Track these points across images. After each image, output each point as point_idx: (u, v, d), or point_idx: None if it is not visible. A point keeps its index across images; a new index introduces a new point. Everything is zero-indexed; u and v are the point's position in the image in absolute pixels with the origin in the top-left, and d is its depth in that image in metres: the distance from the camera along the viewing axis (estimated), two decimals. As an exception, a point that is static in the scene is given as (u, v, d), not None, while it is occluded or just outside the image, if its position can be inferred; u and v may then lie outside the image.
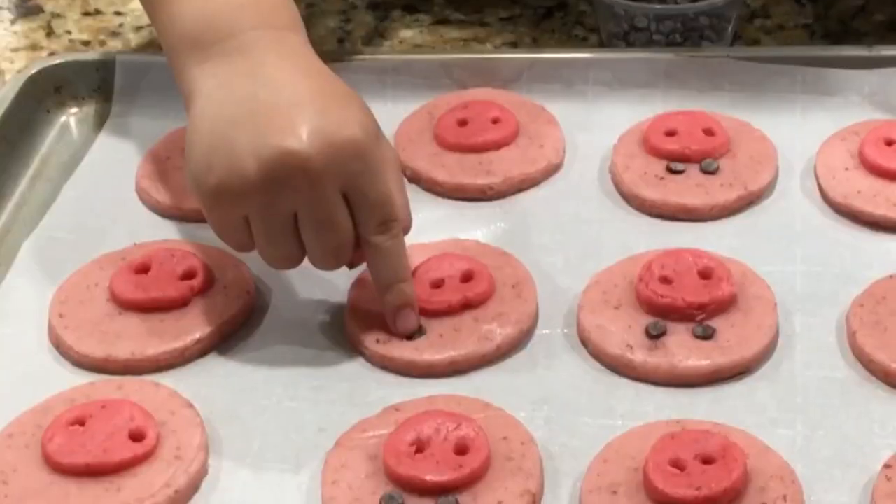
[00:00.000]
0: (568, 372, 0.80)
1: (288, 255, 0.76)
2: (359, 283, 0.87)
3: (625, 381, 0.79)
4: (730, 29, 1.07)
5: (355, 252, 0.83)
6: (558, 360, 0.82)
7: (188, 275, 0.84)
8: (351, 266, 0.84)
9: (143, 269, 0.84)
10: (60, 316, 0.83)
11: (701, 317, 0.81)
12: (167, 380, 0.79)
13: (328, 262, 0.79)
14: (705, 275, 0.82)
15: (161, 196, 0.93)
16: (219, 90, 0.75)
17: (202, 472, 0.72)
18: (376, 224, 0.76)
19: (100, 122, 1.02)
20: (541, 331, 0.82)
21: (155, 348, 0.80)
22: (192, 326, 0.82)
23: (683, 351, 0.79)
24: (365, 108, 0.77)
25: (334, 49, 1.13)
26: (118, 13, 1.14)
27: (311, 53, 0.80)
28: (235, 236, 0.77)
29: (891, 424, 0.77)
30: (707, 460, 0.70)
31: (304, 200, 0.73)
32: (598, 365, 0.80)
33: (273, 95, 0.74)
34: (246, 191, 0.73)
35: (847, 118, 0.98)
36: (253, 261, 0.87)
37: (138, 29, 1.14)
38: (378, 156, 0.75)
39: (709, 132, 0.95)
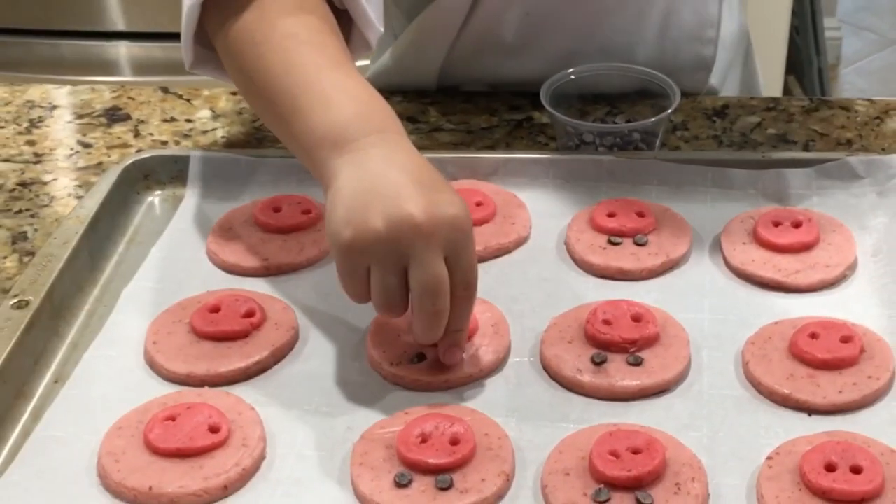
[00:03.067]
0: (533, 389, 0.84)
1: (395, 303, 0.80)
2: (376, 320, 0.89)
3: (575, 397, 0.83)
4: (657, 141, 1.09)
5: None
6: (526, 381, 0.85)
7: (248, 314, 0.88)
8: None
9: (215, 310, 0.88)
10: (154, 343, 0.87)
11: (633, 349, 0.85)
12: (235, 391, 0.83)
13: (425, 305, 0.80)
14: (636, 318, 0.87)
15: (226, 257, 0.96)
16: (356, 170, 0.80)
17: (262, 456, 0.77)
18: (462, 283, 0.80)
19: (177, 202, 1.04)
20: (513, 359, 0.86)
21: (225, 367, 0.85)
22: (253, 352, 0.86)
23: (619, 374, 0.83)
24: (463, 200, 0.82)
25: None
26: (188, 120, 1.15)
27: (415, 149, 0.85)
28: (355, 285, 0.81)
29: (773, 430, 0.80)
30: (636, 451, 0.75)
31: (417, 255, 0.78)
32: (555, 384, 0.84)
33: (399, 175, 0.79)
34: (372, 243, 0.77)
35: (745, 206, 1.01)
36: (297, 303, 0.91)
37: (204, 132, 1.15)
38: (471, 232, 0.80)
39: (640, 214, 0.99)
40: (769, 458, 0.76)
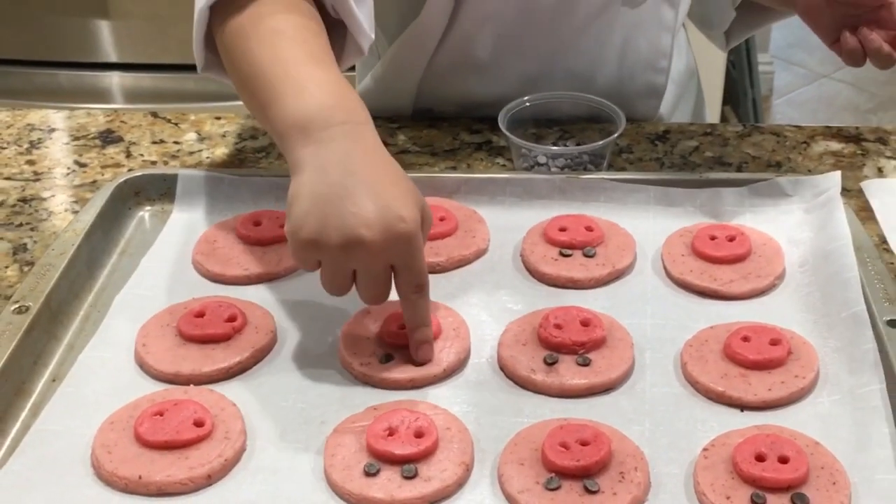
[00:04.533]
0: (491, 387, 0.83)
1: (341, 289, 0.81)
2: (348, 324, 0.88)
3: (529, 394, 0.82)
4: (605, 162, 1.07)
5: None
6: (484, 380, 0.84)
7: (231, 319, 0.87)
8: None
9: (200, 315, 0.87)
10: (143, 345, 0.86)
11: (582, 351, 0.84)
12: (218, 388, 0.82)
13: (370, 302, 0.83)
14: (585, 323, 0.86)
15: (210, 267, 0.95)
16: (316, 171, 0.80)
17: (243, 448, 0.77)
18: (412, 287, 0.81)
19: (166, 216, 1.03)
20: (473, 360, 0.85)
21: (209, 367, 0.83)
22: (234, 353, 0.85)
23: (569, 374, 0.82)
24: (417, 194, 0.82)
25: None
26: (176, 142, 1.14)
27: (379, 142, 0.85)
28: (308, 267, 0.81)
29: (708, 424, 0.80)
30: (584, 443, 0.74)
31: (363, 267, 0.79)
32: (511, 383, 0.83)
33: (356, 184, 0.79)
34: (325, 250, 0.78)
35: (684, 222, 1.00)
36: (275, 309, 0.90)
37: (190, 153, 1.13)
38: (419, 241, 0.80)
39: (589, 229, 0.98)
40: (705, 449, 0.76)
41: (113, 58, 2.31)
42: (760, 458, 0.73)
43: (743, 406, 0.81)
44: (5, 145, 1.13)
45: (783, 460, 0.73)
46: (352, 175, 0.79)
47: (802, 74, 3.29)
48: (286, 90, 0.86)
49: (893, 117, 3.01)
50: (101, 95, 2.27)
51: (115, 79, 2.30)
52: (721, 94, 2.49)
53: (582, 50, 1.18)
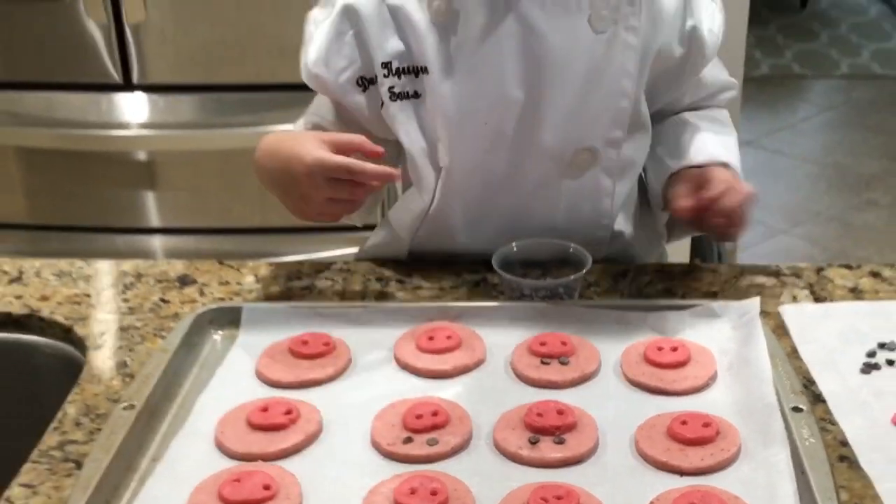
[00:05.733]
0: (487, 461, 0.92)
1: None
2: (377, 415, 0.96)
3: (518, 466, 0.92)
4: (576, 293, 1.13)
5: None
6: (482, 455, 0.93)
7: (287, 412, 0.95)
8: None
9: (264, 409, 0.96)
10: (222, 432, 0.94)
11: (558, 433, 0.93)
12: (280, 463, 0.91)
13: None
14: (560, 412, 0.94)
15: (270, 375, 1.03)
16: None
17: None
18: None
19: (233, 339, 1.08)
20: (474, 441, 0.94)
21: (272, 448, 0.92)
22: (291, 438, 0.93)
23: (548, 450, 0.92)
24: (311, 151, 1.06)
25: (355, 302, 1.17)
26: (238, 283, 1.20)
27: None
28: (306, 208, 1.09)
29: (655, 485, 0.88)
30: (559, 497, 0.85)
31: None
32: (503, 458, 0.92)
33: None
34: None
35: (638, 337, 1.07)
36: (321, 405, 0.97)
37: (250, 291, 1.18)
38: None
39: (563, 343, 1.04)
40: (651, 502, 0.86)
41: (156, 223, 2.38)
42: (691, 501, 0.84)
43: (682, 472, 0.90)
44: (106, 288, 1.20)
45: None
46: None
47: (762, 231, 3.35)
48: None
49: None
50: (150, 256, 2.30)
51: (157, 241, 2.37)
52: (689, 250, 2.55)
53: (535, 214, 1.22)
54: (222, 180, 2.43)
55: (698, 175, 1.17)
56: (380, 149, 1.07)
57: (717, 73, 1.29)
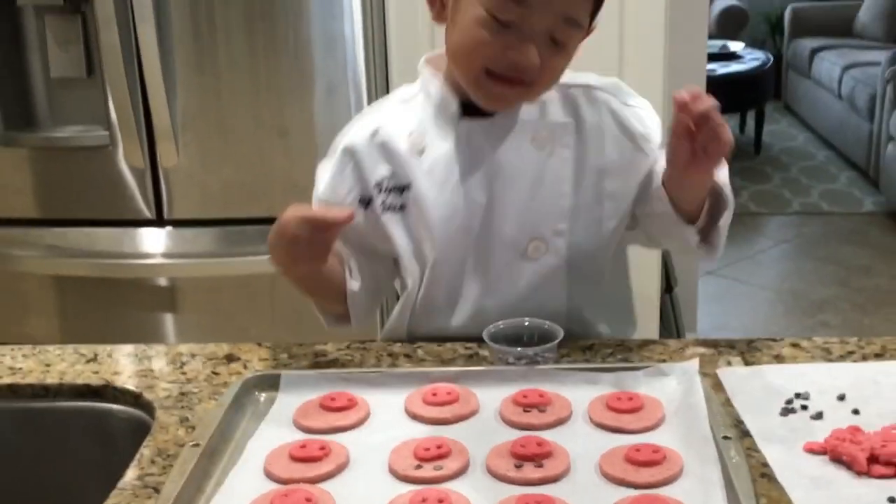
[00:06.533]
0: (482, 483, 1.05)
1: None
2: (393, 450, 1.08)
3: (505, 484, 1.05)
4: (552, 360, 1.24)
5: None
6: (478, 479, 1.05)
7: (322, 448, 1.08)
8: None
9: (303, 447, 1.08)
10: (269, 464, 1.06)
11: (538, 459, 1.07)
12: (318, 485, 1.04)
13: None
14: (539, 444, 1.08)
15: (306, 423, 1.15)
16: None
17: None
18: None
19: (274, 399, 1.20)
20: (470, 469, 1.06)
21: (311, 474, 1.05)
22: (325, 467, 1.06)
23: (530, 472, 1.06)
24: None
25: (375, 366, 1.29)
26: (275, 359, 1.33)
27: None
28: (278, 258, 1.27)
29: (615, 495, 1.01)
30: (539, 503, 1.00)
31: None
32: (494, 479, 1.06)
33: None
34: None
35: (601, 391, 1.20)
36: (347, 445, 1.10)
37: (286, 365, 1.31)
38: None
39: (541, 396, 1.17)
40: None
41: (174, 341, 2.48)
42: None
43: (636, 486, 1.03)
44: (167, 364, 1.34)
45: (656, 511, 0.99)
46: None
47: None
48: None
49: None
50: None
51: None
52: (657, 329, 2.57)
53: (501, 291, 1.38)
54: (240, 303, 2.61)
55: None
56: (346, 212, 1.26)
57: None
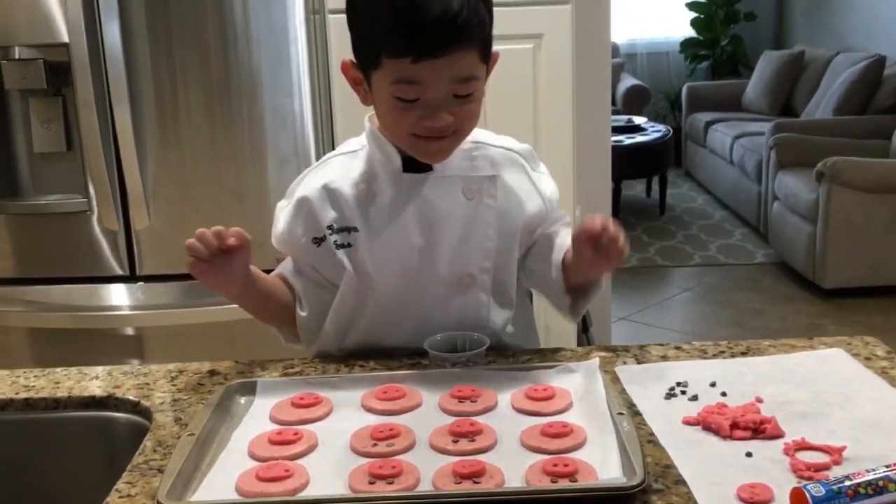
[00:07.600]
0: (426, 454, 1.14)
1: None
2: (353, 434, 1.19)
3: (444, 455, 1.15)
4: (481, 363, 1.36)
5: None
6: (422, 452, 1.14)
7: (295, 434, 1.18)
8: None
9: (279, 433, 1.18)
10: (252, 445, 1.17)
11: (471, 436, 1.18)
12: (294, 462, 1.17)
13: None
14: (471, 425, 1.19)
15: (280, 416, 1.24)
16: None
17: (307, 482, 1.12)
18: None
19: (252, 401, 1.29)
20: (417, 445, 1.16)
21: (286, 453, 1.16)
22: (297, 448, 1.17)
23: (465, 445, 1.17)
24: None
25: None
26: (251, 373, 1.41)
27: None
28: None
29: (532, 459, 1.12)
30: (476, 472, 1.11)
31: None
32: (436, 452, 1.16)
33: None
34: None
35: (521, 385, 1.31)
36: (317, 432, 1.21)
37: (260, 376, 1.38)
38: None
39: (473, 391, 1.27)
40: (530, 467, 1.11)
41: None
42: (555, 463, 1.11)
43: (549, 452, 1.14)
44: (159, 379, 1.43)
45: (571, 471, 1.09)
46: None
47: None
48: None
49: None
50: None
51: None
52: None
53: (436, 319, 1.46)
54: (204, 348, 2.64)
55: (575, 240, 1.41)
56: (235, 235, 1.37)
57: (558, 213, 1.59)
